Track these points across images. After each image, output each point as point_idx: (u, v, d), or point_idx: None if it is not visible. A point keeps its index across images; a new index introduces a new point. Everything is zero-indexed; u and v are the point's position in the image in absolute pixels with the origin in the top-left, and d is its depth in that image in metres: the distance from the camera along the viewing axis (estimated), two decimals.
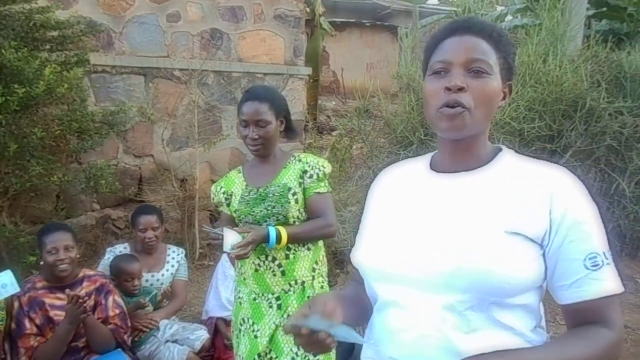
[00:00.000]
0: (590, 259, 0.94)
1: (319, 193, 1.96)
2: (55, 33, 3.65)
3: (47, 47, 3.64)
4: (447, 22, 1.07)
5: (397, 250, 1.02)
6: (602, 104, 3.75)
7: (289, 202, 1.92)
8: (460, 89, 0.96)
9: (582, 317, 0.96)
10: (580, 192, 0.98)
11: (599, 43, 4.25)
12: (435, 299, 0.95)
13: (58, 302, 2.32)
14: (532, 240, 0.95)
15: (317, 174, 1.97)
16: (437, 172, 1.08)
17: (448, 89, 0.97)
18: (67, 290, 2.25)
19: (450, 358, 0.93)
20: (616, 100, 3.85)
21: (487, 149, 1.07)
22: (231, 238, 1.79)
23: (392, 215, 1.09)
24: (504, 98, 1.05)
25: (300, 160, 2.01)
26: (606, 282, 0.94)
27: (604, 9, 8.28)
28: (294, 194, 1.94)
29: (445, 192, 1.04)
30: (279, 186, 1.96)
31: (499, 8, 9.57)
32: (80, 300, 2.21)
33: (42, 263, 2.38)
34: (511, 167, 1.03)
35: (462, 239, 0.95)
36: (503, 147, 1.10)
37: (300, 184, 1.96)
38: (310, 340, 0.91)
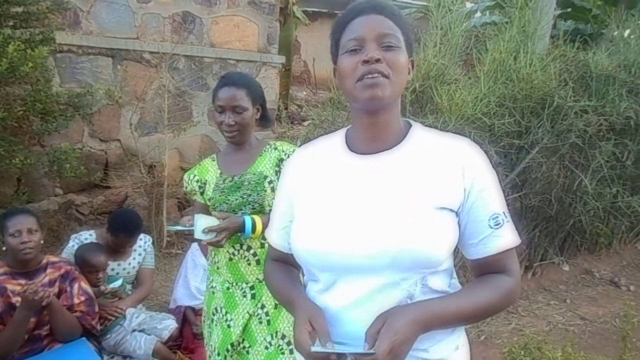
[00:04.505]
0: (493, 219, 1.07)
1: None
2: (19, 9, 3.47)
3: (11, 23, 3.46)
4: (352, 5, 1.12)
5: (336, 236, 1.06)
6: (568, 103, 3.84)
7: (265, 191, 1.90)
8: (377, 60, 1.02)
9: (487, 268, 1.10)
10: (484, 162, 1.10)
11: (566, 43, 4.35)
12: (378, 278, 1.02)
13: (20, 289, 2.23)
14: (453, 211, 1.06)
15: None
16: (358, 153, 1.12)
17: (366, 61, 1.02)
18: (26, 282, 2.18)
19: None
20: (582, 99, 3.96)
21: (400, 124, 1.14)
22: (204, 222, 1.76)
23: (321, 201, 1.11)
24: (409, 73, 1.12)
25: (276, 148, 1.99)
26: (506, 238, 1.08)
27: (569, 9, 8.51)
28: (270, 182, 1.92)
29: (370, 173, 1.08)
30: (254, 174, 1.93)
31: (469, 4, 9.71)
32: (39, 289, 2.14)
33: (4, 249, 2.28)
34: (424, 143, 1.11)
35: (399, 221, 1.02)
36: (411, 121, 1.17)
37: (276, 172, 1.94)
38: None
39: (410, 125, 1.15)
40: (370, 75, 1.01)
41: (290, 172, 1.23)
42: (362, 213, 1.05)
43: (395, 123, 1.12)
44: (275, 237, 1.26)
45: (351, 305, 1.04)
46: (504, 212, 1.08)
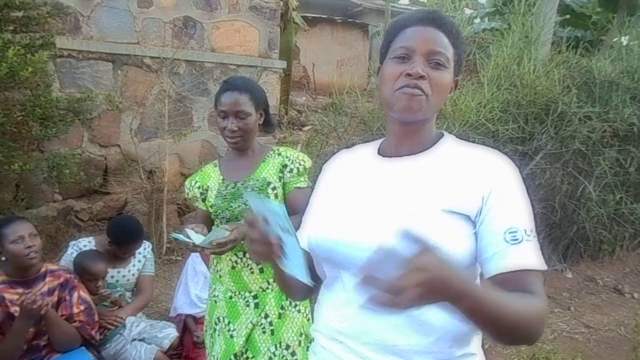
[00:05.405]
0: (510, 233, 0.96)
1: (299, 188, 1.91)
2: (19, 13, 3.46)
3: (11, 28, 3.45)
4: (413, 11, 1.11)
5: (340, 230, 1.07)
6: (572, 109, 3.82)
7: (269, 197, 1.86)
8: (421, 77, 1.01)
9: (508, 289, 0.93)
10: (509, 173, 1.02)
11: (569, 49, 4.35)
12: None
13: (17, 298, 2.18)
14: (466, 217, 0.99)
15: (298, 168, 1.92)
16: (384, 156, 1.13)
17: (409, 74, 1.02)
18: (24, 291, 2.14)
19: (389, 329, 0.99)
20: (585, 105, 3.94)
21: (432, 135, 1.12)
22: (214, 235, 1.72)
23: (339, 197, 1.14)
24: (450, 91, 1.11)
25: (279, 154, 1.95)
26: (525, 257, 0.95)
27: (568, 16, 8.53)
28: (274, 188, 1.88)
29: (388, 174, 1.09)
30: (257, 180, 1.89)
31: (468, 11, 9.72)
32: (37, 298, 2.10)
33: (3, 258, 2.23)
34: (451, 151, 1.09)
35: (401, 218, 1.00)
36: (445, 133, 1.15)
37: (280, 178, 1.91)
38: (265, 248, 0.97)
39: (443, 136, 1.14)
40: (409, 89, 1.02)
41: (324, 174, 1.26)
42: (370, 210, 1.06)
43: (426, 134, 1.11)
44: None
45: (352, 299, 1.03)
46: (526, 230, 0.96)
